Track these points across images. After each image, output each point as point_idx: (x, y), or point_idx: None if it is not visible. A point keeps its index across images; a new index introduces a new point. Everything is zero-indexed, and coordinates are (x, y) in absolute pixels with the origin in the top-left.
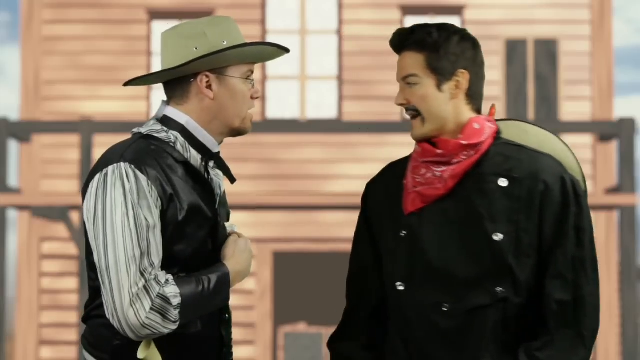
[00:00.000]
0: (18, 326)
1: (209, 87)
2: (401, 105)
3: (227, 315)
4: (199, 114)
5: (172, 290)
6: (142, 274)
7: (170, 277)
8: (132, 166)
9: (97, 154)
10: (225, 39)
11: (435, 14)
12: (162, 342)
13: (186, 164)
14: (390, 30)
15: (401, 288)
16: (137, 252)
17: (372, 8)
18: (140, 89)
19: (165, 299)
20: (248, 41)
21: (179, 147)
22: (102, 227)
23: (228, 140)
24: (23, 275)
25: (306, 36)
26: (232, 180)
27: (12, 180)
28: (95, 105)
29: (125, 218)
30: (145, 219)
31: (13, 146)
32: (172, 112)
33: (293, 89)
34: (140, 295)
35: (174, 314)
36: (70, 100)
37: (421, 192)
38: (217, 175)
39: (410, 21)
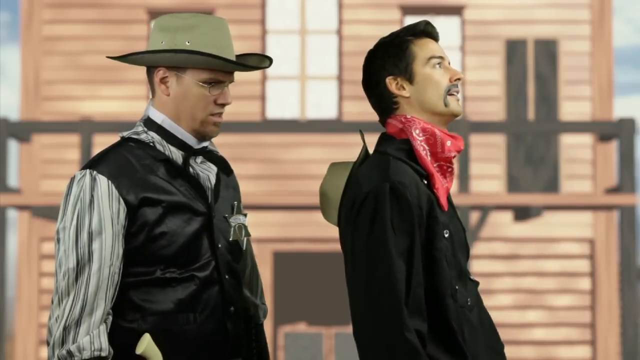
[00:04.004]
0: (18, 326)
1: (165, 82)
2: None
3: (232, 309)
4: (162, 109)
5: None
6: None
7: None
8: (94, 172)
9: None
10: (191, 40)
11: (435, 14)
12: (161, 336)
13: (168, 162)
14: (390, 30)
15: (457, 287)
16: (71, 263)
17: (372, 8)
18: (140, 89)
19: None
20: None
21: (158, 146)
22: (60, 234)
23: (228, 139)
24: (23, 275)
25: (306, 36)
26: (227, 172)
27: (12, 180)
28: (95, 105)
29: (68, 226)
30: (90, 225)
31: (13, 146)
32: (152, 112)
33: (293, 89)
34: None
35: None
36: (70, 100)
37: (447, 188)
38: (207, 169)
39: (410, 21)
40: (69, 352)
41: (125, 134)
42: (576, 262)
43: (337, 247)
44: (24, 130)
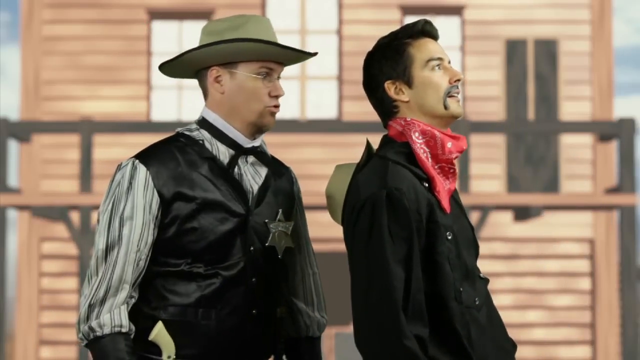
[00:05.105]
0: (18, 326)
1: (219, 81)
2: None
3: (255, 311)
4: (216, 108)
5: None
6: (97, 271)
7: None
8: (137, 161)
9: (97, 154)
10: (239, 36)
11: (435, 14)
12: (177, 327)
13: (213, 160)
14: (390, 31)
15: (462, 289)
16: (101, 245)
17: (372, 8)
18: (140, 89)
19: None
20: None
21: (207, 144)
22: (99, 216)
23: None
24: (23, 275)
25: (306, 36)
26: (278, 176)
27: (12, 180)
28: (95, 105)
29: (105, 210)
30: (123, 211)
31: (13, 146)
32: (205, 112)
33: (293, 89)
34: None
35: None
36: (70, 100)
37: (450, 189)
38: (255, 171)
39: (410, 21)
40: (91, 328)
41: (180, 129)
42: (576, 262)
43: (337, 246)
44: (24, 130)
